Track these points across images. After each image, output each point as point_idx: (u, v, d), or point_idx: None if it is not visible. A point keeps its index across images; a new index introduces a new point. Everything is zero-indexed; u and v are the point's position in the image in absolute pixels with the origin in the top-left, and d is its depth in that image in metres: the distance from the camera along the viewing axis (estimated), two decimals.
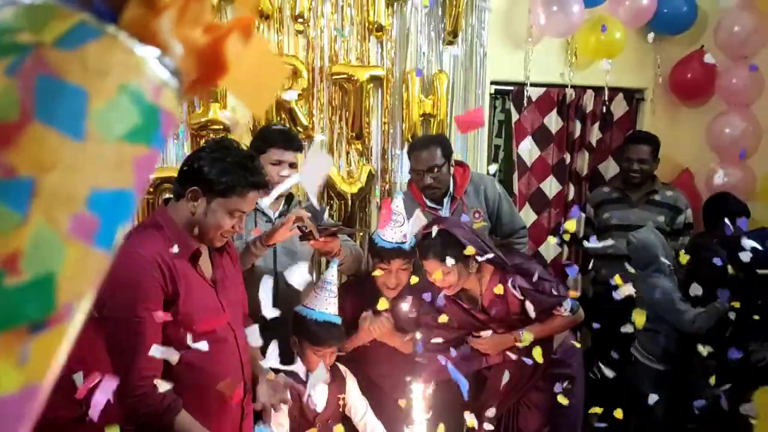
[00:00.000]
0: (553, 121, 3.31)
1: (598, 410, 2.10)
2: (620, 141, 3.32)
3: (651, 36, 3.21)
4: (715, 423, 2.54)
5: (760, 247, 2.21)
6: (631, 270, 2.59)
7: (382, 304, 2.12)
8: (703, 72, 3.36)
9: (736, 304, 2.36)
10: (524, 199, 3.34)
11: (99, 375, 1.30)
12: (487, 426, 2.06)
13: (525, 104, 3.26)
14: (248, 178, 1.54)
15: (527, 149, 3.27)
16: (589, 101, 3.34)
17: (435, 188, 2.48)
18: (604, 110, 3.38)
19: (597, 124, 3.38)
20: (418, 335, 2.17)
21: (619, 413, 2.01)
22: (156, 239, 1.50)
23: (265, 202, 2.11)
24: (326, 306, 2.07)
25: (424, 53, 2.96)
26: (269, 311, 1.38)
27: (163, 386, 1.43)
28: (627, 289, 1.92)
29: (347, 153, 2.89)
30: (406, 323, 2.22)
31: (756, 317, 2.40)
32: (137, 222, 2.37)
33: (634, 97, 3.51)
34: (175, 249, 1.49)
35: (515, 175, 3.31)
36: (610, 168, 3.39)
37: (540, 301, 2.08)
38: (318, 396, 2.05)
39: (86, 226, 0.39)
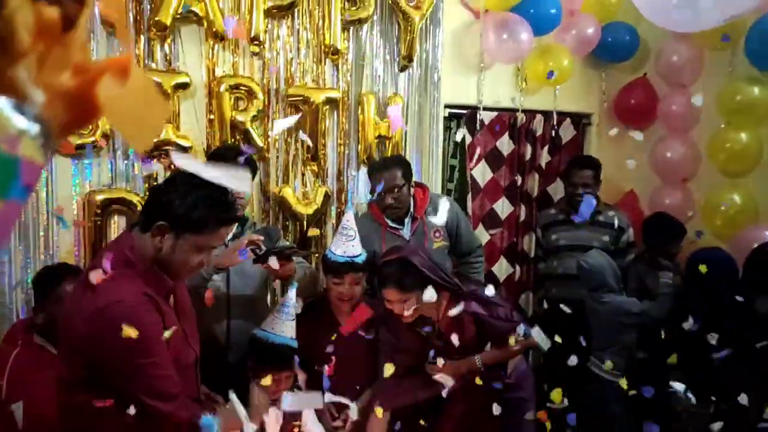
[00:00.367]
0: (504, 144, 3.40)
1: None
2: (566, 164, 3.44)
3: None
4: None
5: None
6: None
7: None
8: (646, 98, 3.52)
9: None
10: (478, 220, 3.40)
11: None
12: None
13: (478, 127, 3.34)
14: (220, 214, 1.49)
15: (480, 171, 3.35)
16: (538, 125, 3.45)
17: (396, 208, 2.53)
18: (553, 134, 3.50)
19: (546, 147, 3.49)
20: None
21: None
22: (135, 279, 1.44)
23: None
24: (283, 329, 2.06)
25: (379, 76, 3.01)
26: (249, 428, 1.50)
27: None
28: None
29: (303, 174, 2.88)
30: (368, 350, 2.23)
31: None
32: (100, 249, 2.32)
33: (581, 121, 3.64)
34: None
35: (469, 196, 3.38)
36: (558, 189, 3.50)
37: (494, 326, 2.12)
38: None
39: None
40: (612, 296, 2.73)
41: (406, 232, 2.60)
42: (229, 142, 2.63)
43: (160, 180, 2.40)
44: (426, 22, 3.04)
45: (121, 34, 1.99)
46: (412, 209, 2.61)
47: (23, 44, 0.40)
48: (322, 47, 2.84)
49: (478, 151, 3.34)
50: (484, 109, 3.33)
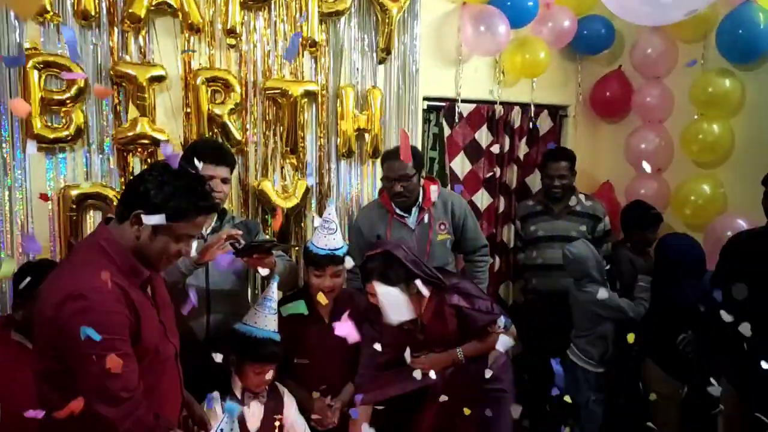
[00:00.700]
0: (483, 136, 3.42)
1: None
2: (542, 156, 3.48)
3: None
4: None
5: None
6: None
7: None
8: (621, 90, 3.57)
9: None
10: None
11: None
12: None
13: (456, 120, 3.35)
14: (197, 203, 1.49)
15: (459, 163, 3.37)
16: (516, 117, 3.48)
17: (404, 197, 2.60)
18: (531, 126, 3.53)
19: (524, 139, 3.53)
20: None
21: None
22: (107, 268, 1.41)
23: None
24: (266, 323, 2.06)
25: (358, 69, 3.00)
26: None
27: None
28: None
29: (282, 168, 2.87)
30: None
31: None
32: (74, 244, 2.30)
33: (558, 113, 3.68)
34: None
35: (448, 188, 3.39)
36: (536, 181, 3.54)
37: (475, 318, 2.15)
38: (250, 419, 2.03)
39: None
40: (594, 287, 2.78)
41: (412, 221, 2.68)
42: (207, 135, 2.61)
43: (137, 173, 2.36)
44: (404, 15, 3.04)
45: None
46: (420, 200, 2.68)
47: None
48: (300, 39, 2.82)
49: (457, 142, 3.36)
50: (463, 101, 3.35)
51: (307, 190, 2.88)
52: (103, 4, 2.41)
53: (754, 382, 2.19)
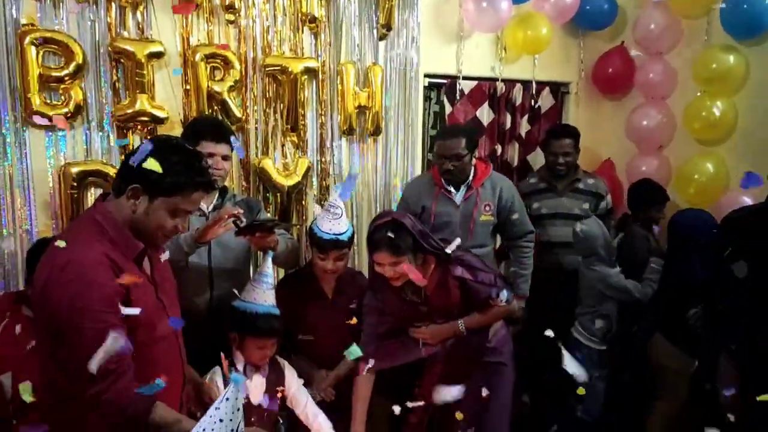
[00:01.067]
0: (485, 114, 3.40)
1: None
2: (545, 133, 3.46)
3: None
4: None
5: None
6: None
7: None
8: (623, 67, 3.54)
9: None
10: None
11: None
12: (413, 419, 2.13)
13: (458, 97, 3.33)
14: (194, 178, 1.48)
15: None
16: (518, 94, 3.45)
17: (453, 175, 2.67)
18: (533, 103, 3.51)
19: (526, 117, 3.51)
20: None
21: None
22: (100, 240, 1.42)
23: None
24: (265, 298, 2.07)
25: (358, 45, 2.97)
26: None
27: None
28: None
29: (282, 145, 2.86)
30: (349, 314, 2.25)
31: None
32: (71, 219, 2.30)
33: (560, 90, 3.66)
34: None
35: None
36: (537, 159, 3.53)
37: (479, 291, 2.15)
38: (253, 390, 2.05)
39: None
40: (602, 266, 2.79)
41: (458, 197, 2.73)
42: (207, 113, 2.59)
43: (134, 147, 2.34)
44: None
45: None
46: (471, 178, 2.71)
47: None
48: (299, 15, 2.79)
49: (459, 120, 3.34)
50: (464, 78, 3.32)
51: (308, 168, 2.87)
52: None
53: (753, 361, 2.21)
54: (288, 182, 2.81)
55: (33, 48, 2.25)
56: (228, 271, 2.26)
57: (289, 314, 2.28)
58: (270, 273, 2.11)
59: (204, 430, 1.21)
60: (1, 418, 1.86)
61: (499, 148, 3.45)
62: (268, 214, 2.72)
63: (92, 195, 2.44)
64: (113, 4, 2.41)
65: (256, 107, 2.76)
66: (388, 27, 2.99)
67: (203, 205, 2.26)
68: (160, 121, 2.49)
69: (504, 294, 2.17)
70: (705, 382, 2.53)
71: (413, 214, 2.64)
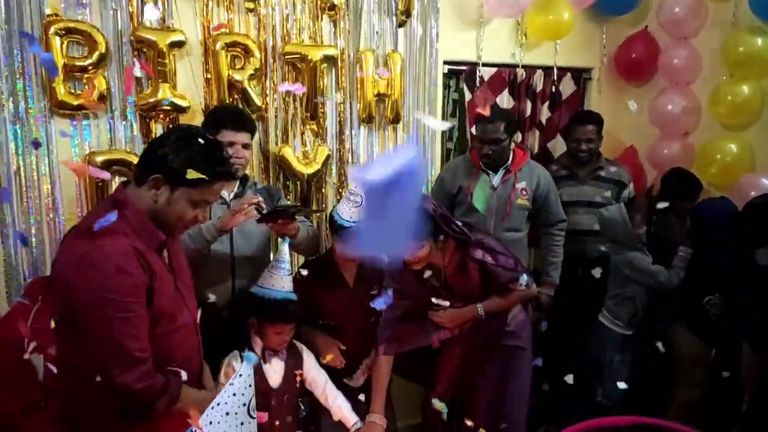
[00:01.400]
0: (504, 101, 3.37)
1: None
2: (568, 120, 3.42)
3: None
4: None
5: None
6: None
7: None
8: (647, 51, 3.48)
9: None
10: None
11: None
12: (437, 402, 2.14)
13: (477, 84, 3.30)
14: (215, 168, 1.48)
15: None
16: (538, 81, 3.41)
17: (492, 159, 2.73)
18: (554, 89, 3.47)
19: (547, 104, 3.47)
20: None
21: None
22: (124, 230, 1.43)
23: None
24: (283, 284, 2.10)
25: (377, 32, 2.96)
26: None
27: None
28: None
29: (302, 134, 2.87)
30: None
31: None
32: (93, 205, 2.34)
33: (581, 76, 3.61)
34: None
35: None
36: (558, 146, 3.49)
37: (498, 274, 2.14)
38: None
39: None
40: (630, 252, 2.78)
41: (496, 180, 2.79)
42: (227, 101, 2.61)
43: (156, 136, 2.36)
44: None
45: None
46: (509, 162, 2.78)
47: None
48: (319, 3, 2.79)
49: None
50: (484, 65, 3.29)
51: (328, 156, 2.88)
52: None
53: None
54: (308, 170, 2.82)
55: (57, 38, 2.28)
56: (249, 258, 2.29)
57: (311, 300, 2.31)
58: (287, 259, 2.13)
59: (219, 403, 1.29)
60: (31, 401, 1.90)
61: (519, 136, 3.41)
62: (289, 202, 2.73)
63: (116, 184, 2.48)
64: None
65: (275, 95, 2.77)
66: (407, 13, 2.97)
67: (224, 193, 2.28)
68: (182, 110, 2.51)
69: (524, 278, 2.17)
70: (723, 371, 2.51)
71: (449, 195, 2.69)
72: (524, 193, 2.80)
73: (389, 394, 2.41)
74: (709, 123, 3.24)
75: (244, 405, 1.30)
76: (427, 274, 2.16)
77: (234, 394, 1.30)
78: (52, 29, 2.27)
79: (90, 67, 2.35)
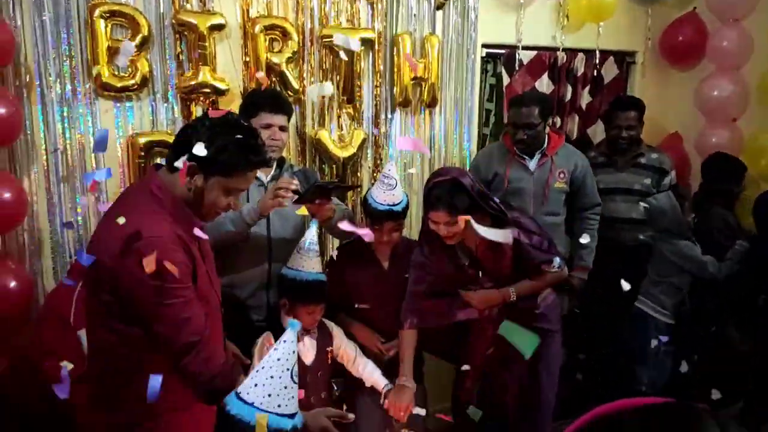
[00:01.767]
0: (544, 85, 3.30)
1: None
2: (609, 105, 3.33)
3: None
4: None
5: None
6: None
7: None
8: (694, 34, 3.36)
9: None
10: None
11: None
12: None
13: (516, 68, 3.24)
14: (250, 157, 1.47)
15: None
16: (580, 64, 3.33)
17: (526, 144, 2.71)
18: (595, 73, 3.38)
19: (588, 88, 3.38)
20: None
21: None
22: (164, 216, 1.43)
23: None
24: (312, 265, 2.12)
25: (415, 15, 2.93)
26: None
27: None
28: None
29: (338, 117, 2.87)
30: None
31: None
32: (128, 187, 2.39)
33: (625, 60, 3.50)
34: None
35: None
36: (598, 131, 3.41)
37: (532, 255, 2.11)
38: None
39: None
40: (679, 241, 2.72)
41: (532, 164, 2.77)
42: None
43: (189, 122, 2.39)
44: None
45: None
46: (545, 146, 2.75)
47: None
48: None
49: (517, 92, 3.26)
50: (523, 48, 3.23)
51: (364, 139, 2.88)
52: None
53: None
54: (343, 154, 2.83)
55: (102, 21, 2.33)
56: (287, 241, 2.31)
57: (346, 284, 2.32)
58: (315, 240, 2.15)
59: (263, 367, 1.32)
60: (77, 374, 1.98)
61: (558, 121, 3.35)
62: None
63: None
64: None
65: (312, 79, 2.78)
66: None
67: (262, 176, 2.30)
68: (222, 92, 2.54)
69: (557, 260, 2.13)
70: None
71: (484, 182, 2.67)
72: (562, 176, 2.76)
73: (422, 377, 2.42)
74: (759, 109, 3.11)
75: (288, 370, 1.33)
76: (458, 253, 2.15)
77: (278, 359, 1.33)
78: (96, 12, 2.31)
79: (134, 50, 2.39)
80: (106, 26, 2.34)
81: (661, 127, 3.55)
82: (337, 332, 2.24)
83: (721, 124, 3.25)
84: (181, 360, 1.42)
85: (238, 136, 1.46)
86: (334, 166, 2.85)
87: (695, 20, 3.36)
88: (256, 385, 1.32)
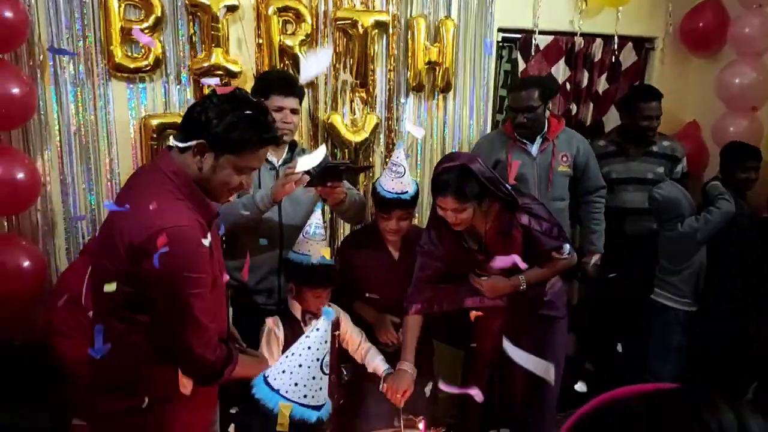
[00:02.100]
0: (560, 71, 3.25)
1: None
2: (626, 91, 3.27)
3: None
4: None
5: None
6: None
7: None
8: (716, 20, 3.28)
9: None
10: None
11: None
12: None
13: (532, 53, 3.19)
14: (260, 134, 1.44)
15: None
16: (597, 50, 3.27)
17: (527, 128, 2.68)
18: (613, 60, 3.32)
19: (605, 75, 3.32)
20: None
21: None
22: (183, 202, 1.42)
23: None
24: (318, 249, 2.11)
25: None
26: None
27: None
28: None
29: (351, 101, 2.85)
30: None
31: None
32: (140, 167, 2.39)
33: (644, 46, 3.44)
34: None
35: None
36: (611, 119, 3.35)
37: (542, 241, 2.09)
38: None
39: None
40: (687, 221, 2.71)
41: (534, 149, 2.74)
42: (278, 67, 2.61)
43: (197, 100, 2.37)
44: None
45: None
46: (545, 130, 2.72)
47: None
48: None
49: None
50: (540, 33, 3.17)
51: (377, 124, 2.86)
52: None
53: None
54: (356, 138, 2.81)
55: (116, 1, 2.32)
56: (297, 227, 2.30)
57: (355, 272, 2.32)
58: (320, 224, 2.15)
59: (293, 354, 1.30)
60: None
61: (574, 107, 3.29)
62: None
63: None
64: None
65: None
66: None
67: (273, 159, 2.30)
68: (234, 75, 2.53)
69: (566, 247, 2.11)
70: None
71: None
72: (565, 159, 2.73)
73: (431, 364, 2.42)
74: None
75: (318, 360, 1.30)
76: (466, 238, 2.13)
77: (309, 348, 1.30)
78: None
79: (146, 31, 2.38)
80: (120, 6, 2.33)
81: (678, 115, 3.48)
82: (344, 318, 2.24)
83: (741, 113, 3.18)
84: (198, 349, 1.41)
85: (248, 112, 1.43)
86: (346, 150, 2.84)
87: (717, 6, 3.28)
88: (284, 371, 1.30)
